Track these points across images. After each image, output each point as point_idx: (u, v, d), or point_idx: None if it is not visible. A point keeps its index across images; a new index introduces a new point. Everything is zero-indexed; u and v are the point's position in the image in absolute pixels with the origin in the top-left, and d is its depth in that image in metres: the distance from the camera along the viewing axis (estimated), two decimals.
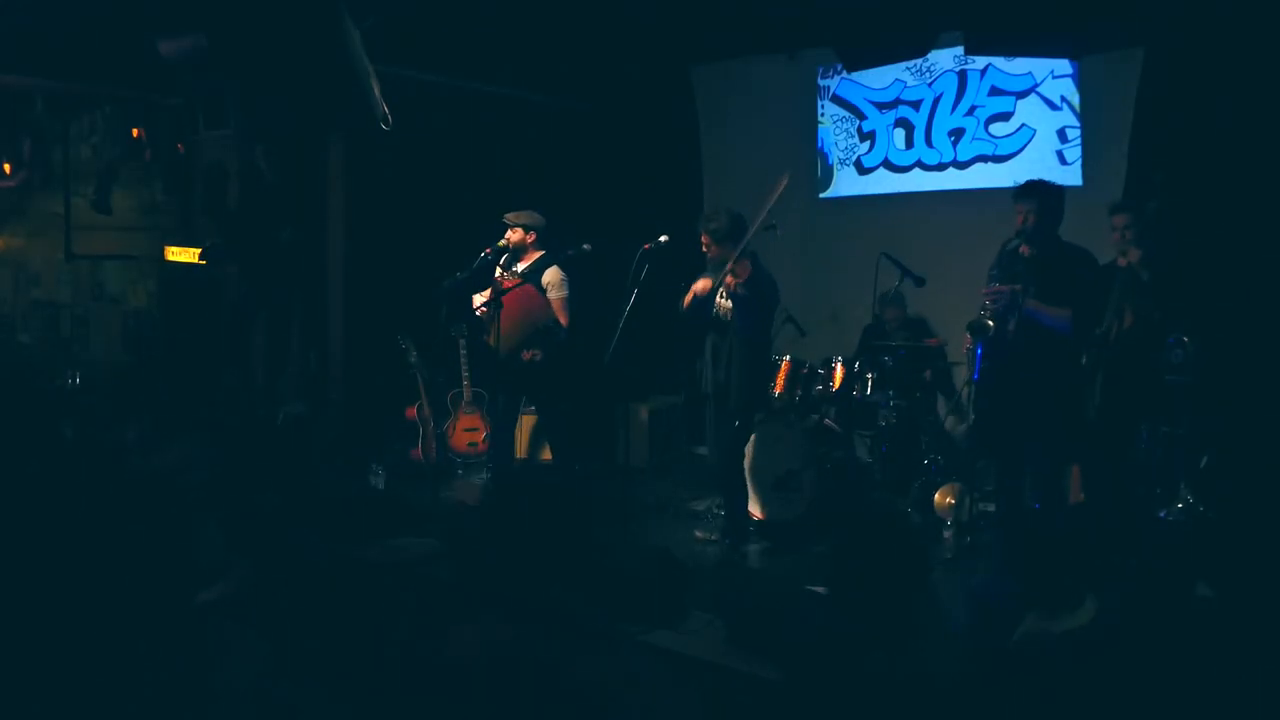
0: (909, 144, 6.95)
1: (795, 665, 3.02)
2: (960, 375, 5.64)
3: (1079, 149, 6.23)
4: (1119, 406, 4.39)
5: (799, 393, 5.69)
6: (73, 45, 6.07)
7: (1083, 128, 6.22)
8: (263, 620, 2.15)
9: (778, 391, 5.61)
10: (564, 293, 5.58)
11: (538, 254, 5.65)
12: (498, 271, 5.72)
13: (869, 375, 5.85)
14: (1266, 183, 5.22)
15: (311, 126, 6.88)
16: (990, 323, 4.45)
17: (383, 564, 4.28)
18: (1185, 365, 4.86)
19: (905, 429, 5.79)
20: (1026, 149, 6.43)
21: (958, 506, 5.07)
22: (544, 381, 5.68)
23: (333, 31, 5.49)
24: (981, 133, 6.63)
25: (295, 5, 5.62)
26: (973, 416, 4.94)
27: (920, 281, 5.75)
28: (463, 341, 6.28)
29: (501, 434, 5.95)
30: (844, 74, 7.16)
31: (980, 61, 6.56)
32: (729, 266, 4.72)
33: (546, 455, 6.52)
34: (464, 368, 6.39)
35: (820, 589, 3.95)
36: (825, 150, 7.35)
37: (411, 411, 6.48)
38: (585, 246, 5.42)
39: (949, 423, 6.03)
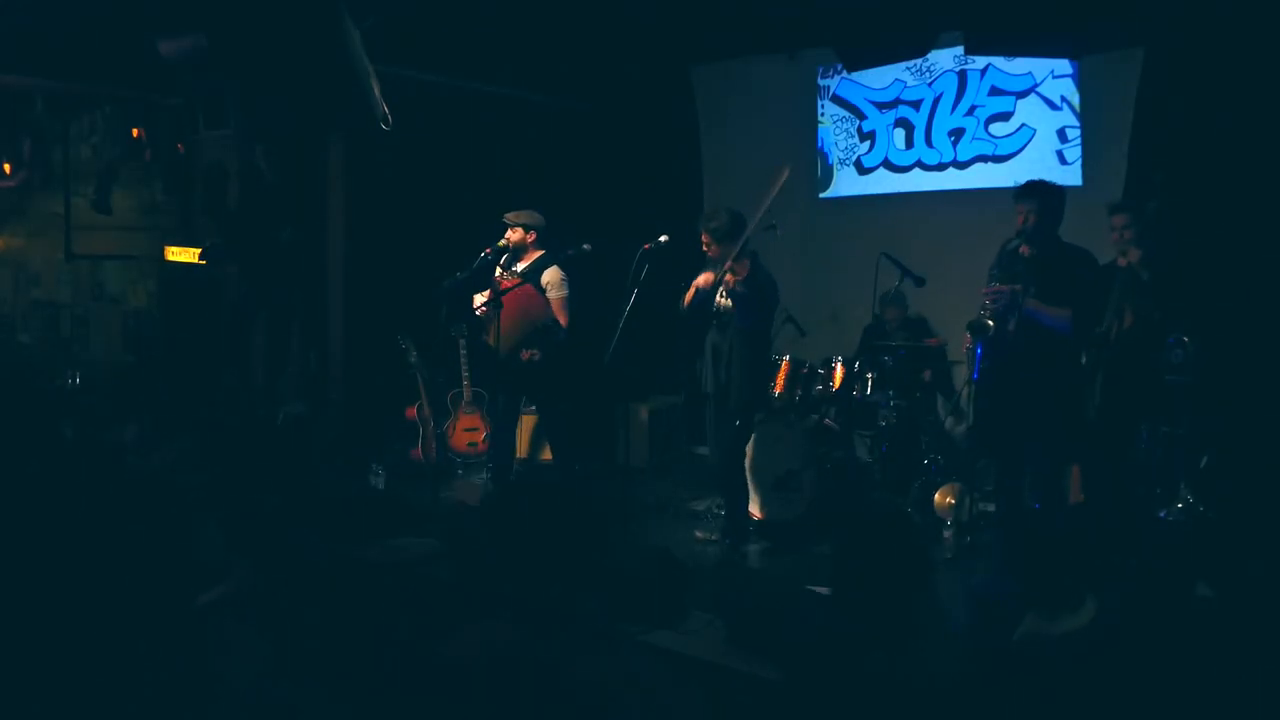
0: (909, 144, 6.95)
1: (795, 665, 3.02)
2: (960, 375, 5.64)
3: (1079, 149, 6.23)
4: (1119, 406, 4.39)
5: (799, 393, 5.69)
6: (73, 45, 6.07)
7: (1083, 128, 6.22)
8: (263, 620, 2.15)
9: (778, 391, 5.61)
10: (563, 292, 5.58)
11: (537, 254, 5.65)
12: (497, 271, 5.73)
13: (869, 375, 5.85)
14: (1266, 183, 5.22)
15: (311, 126, 6.88)
16: (990, 322, 4.45)
17: (383, 564, 4.28)
18: (1185, 365, 4.86)
19: (905, 429, 5.78)
20: (1026, 149, 6.43)
21: (958, 506, 5.07)
22: (544, 381, 5.68)
23: (333, 31, 5.49)
24: (981, 133, 6.63)
25: (295, 5, 5.62)
26: (972, 416, 4.94)
27: (920, 281, 5.75)
28: (463, 341, 6.28)
29: (501, 434, 5.95)
30: (844, 74, 7.16)
31: (980, 61, 6.56)
32: (728, 264, 4.72)
33: (546, 455, 6.52)
34: (464, 368, 6.39)
35: (823, 589, 3.96)
36: (825, 150, 7.35)
37: (411, 411, 6.48)
38: (585, 246, 5.42)
39: (949, 423, 6.03)
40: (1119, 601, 3.55)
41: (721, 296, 4.90)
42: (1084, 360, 4.44)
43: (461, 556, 4.15)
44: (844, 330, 6.39)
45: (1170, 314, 4.41)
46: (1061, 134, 6.31)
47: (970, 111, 6.67)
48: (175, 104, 7.25)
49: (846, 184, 7.27)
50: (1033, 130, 6.41)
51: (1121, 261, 4.38)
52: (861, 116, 7.17)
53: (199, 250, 7.30)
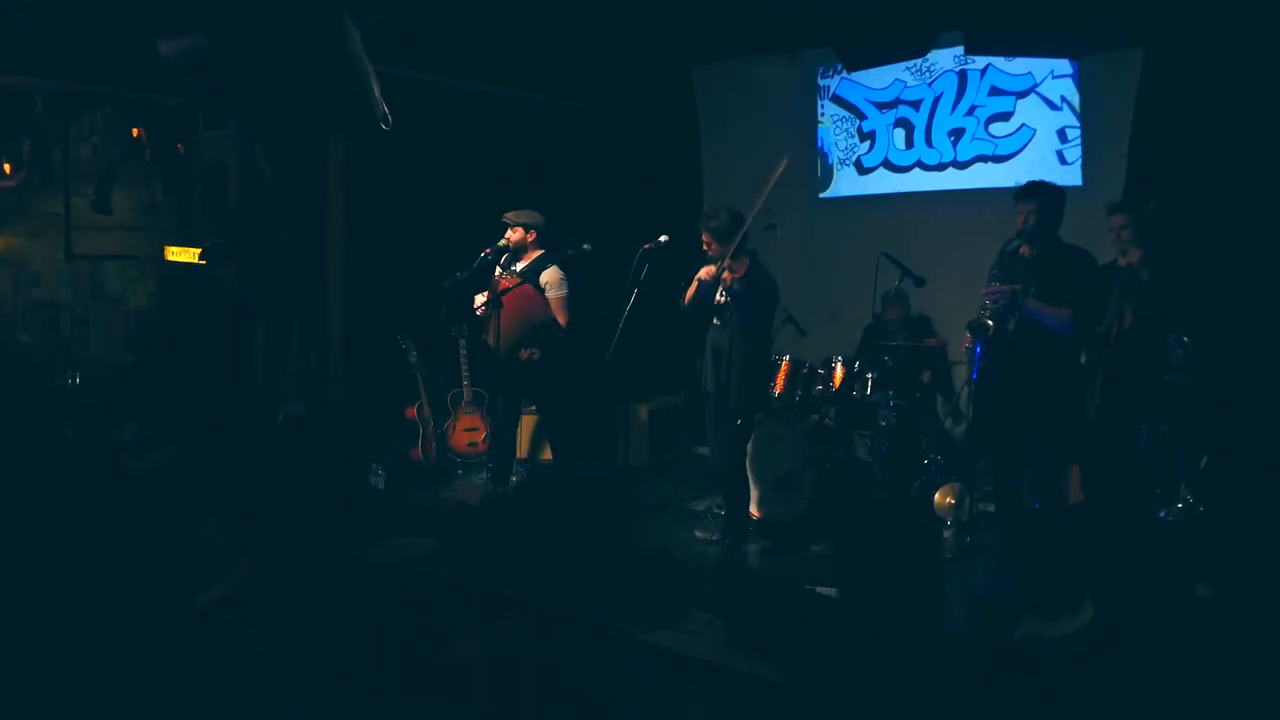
0: (909, 144, 6.95)
1: (795, 665, 3.02)
2: (960, 375, 5.64)
3: (1079, 149, 6.23)
4: (1119, 406, 4.38)
5: (799, 393, 5.69)
6: (73, 45, 6.07)
7: (1083, 128, 6.22)
8: (263, 620, 2.15)
9: (778, 391, 5.60)
10: (562, 292, 5.59)
11: (537, 253, 5.66)
12: (497, 271, 5.73)
13: (869, 375, 5.85)
14: (1266, 183, 5.22)
15: (311, 126, 6.87)
16: (990, 322, 4.46)
17: (383, 564, 4.27)
18: (1185, 365, 4.86)
19: (905, 429, 5.78)
20: (1026, 149, 6.44)
21: (958, 506, 5.07)
22: (543, 381, 5.69)
23: (333, 31, 5.49)
24: (981, 133, 6.63)
25: (295, 5, 5.62)
26: (970, 416, 4.94)
27: (920, 281, 5.75)
28: (463, 341, 6.28)
29: (501, 434, 5.95)
30: (844, 74, 7.16)
31: (980, 61, 6.56)
32: (725, 262, 4.73)
33: (547, 455, 6.52)
34: (464, 368, 6.39)
35: (827, 590, 3.96)
36: (825, 150, 7.35)
37: (411, 411, 6.48)
38: (585, 246, 5.43)
39: (949, 423, 6.03)
40: (1119, 601, 3.55)
41: (720, 295, 4.90)
42: (1084, 360, 4.44)
43: (461, 556, 4.14)
44: (844, 330, 6.39)
45: (1170, 314, 4.41)
46: (1061, 134, 6.31)
47: (970, 111, 6.67)
48: (175, 104, 7.25)
49: (846, 184, 7.27)
50: (1033, 130, 6.41)
51: (1121, 261, 4.38)
52: (861, 116, 7.17)
53: (199, 250, 7.30)
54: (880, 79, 7.01)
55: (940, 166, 6.82)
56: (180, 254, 7.51)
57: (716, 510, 5.42)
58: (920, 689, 2.05)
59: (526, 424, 6.48)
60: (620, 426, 6.40)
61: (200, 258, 7.30)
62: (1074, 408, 4.44)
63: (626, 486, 5.92)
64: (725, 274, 4.73)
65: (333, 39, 5.50)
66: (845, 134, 7.27)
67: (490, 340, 5.58)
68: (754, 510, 5.28)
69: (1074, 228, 4.59)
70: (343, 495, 5.22)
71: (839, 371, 5.80)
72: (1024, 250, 4.50)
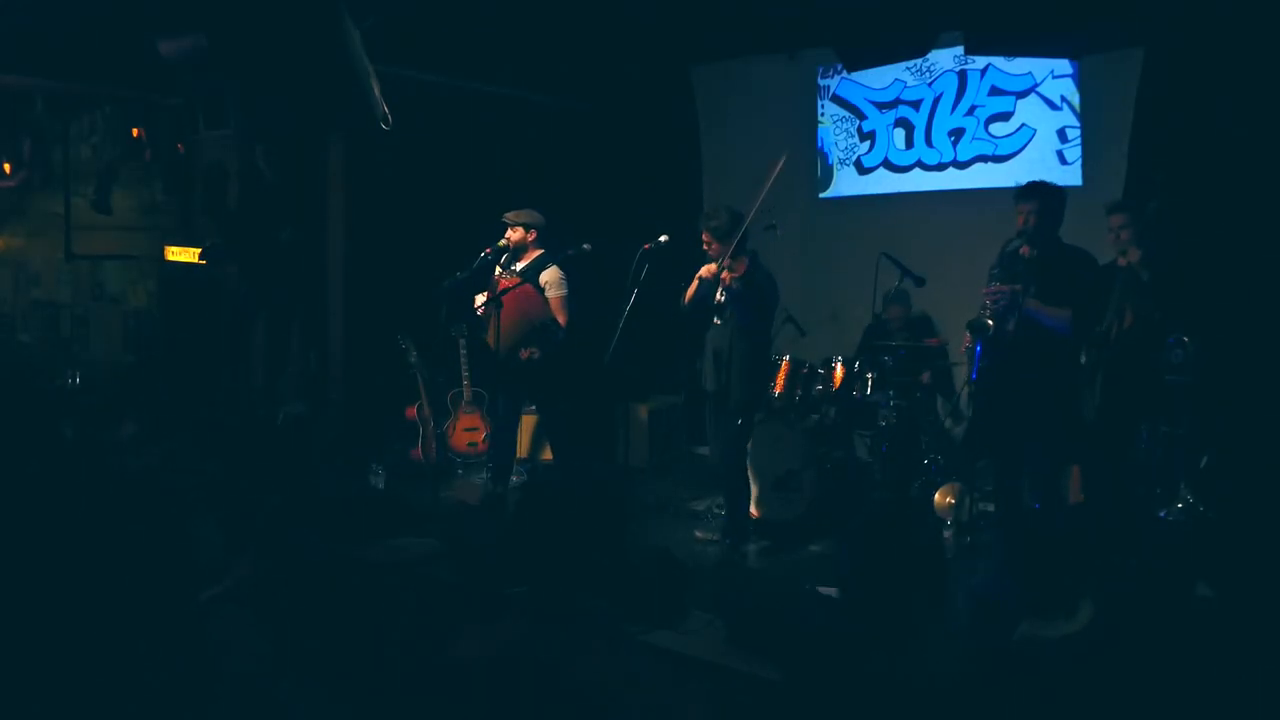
0: (909, 144, 6.95)
1: (795, 665, 3.02)
2: (960, 376, 5.64)
3: (1079, 149, 6.23)
4: (1119, 406, 4.38)
5: (799, 393, 5.69)
6: (73, 45, 6.07)
7: (1083, 128, 6.22)
8: (263, 620, 2.15)
9: (778, 391, 5.60)
10: (562, 291, 5.59)
11: (537, 253, 5.66)
12: (496, 271, 5.73)
13: (869, 375, 5.85)
14: (1266, 183, 5.22)
15: (311, 126, 6.87)
16: (990, 322, 4.46)
17: (383, 564, 4.27)
18: (1185, 365, 4.86)
19: (905, 429, 5.78)
20: (1026, 149, 6.44)
21: (958, 506, 5.07)
22: (543, 381, 5.69)
23: (333, 31, 5.49)
24: (981, 132, 6.63)
25: (295, 5, 5.62)
26: (969, 416, 4.94)
27: (920, 281, 5.75)
28: (463, 341, 6.28)
29: (502, 434, 5.95)
30: (844, 74, 7.16)
31: (980, 61, 6.56)
32: (725, 261, 4.73)
33: (547, 455, 6.53)
34: (464, 368, 6.39)
35: (828, 589, 3.96)
36: (825, 150, 7.35)
37: (411, 411, 6.48)
38: (585, 246, 5.43)
39: (949, 423, 6.03)
40: (1119, 601, 3.55)
41: (720, 294, 4.90)
42: (1084, 360, 4.44)
43: (461, 556, 4.15)
44: (844, 330, 6.38)
45: (1170, 314, 4.41)
46: (1061, 134, 6.31)
47: (970, 111, 6.67)
48: (175, 104, 7.25)
49: (846, 184, 7.27)
50: (1033, 130, 6.41)
51: (1121, 261, 4.38)
52: (861, 116, 7.17)
53: (199, 250, 7.30)
54: (880, 79, 7.01)
55: (940, 166, 6.82)
56: (180, 254, 7.51)
57: (716, 510, 5.42)
58: (920, 689, 2.05)
59: (526, 424, 6.49)
60: (620, 426, 6.41)
61: (200, 258, 7.30)
62: (1074, 408, 4.44)
63: (627, 486, 5.92)
64: (724, 274, 4.73)
65: (333, 39, 5.49)
66: (845, 134, 7.27)
67: (490, 340, 5.58)
68: (753, 510, 5.28)
69: (1074, 228, 4.59)
70: (343, 495, 5.22)
71: (839, 371, 5.80)
72: (1024, 250, 4.50)
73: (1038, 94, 6.40)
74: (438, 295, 5.55)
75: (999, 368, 4.51)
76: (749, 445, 5.24)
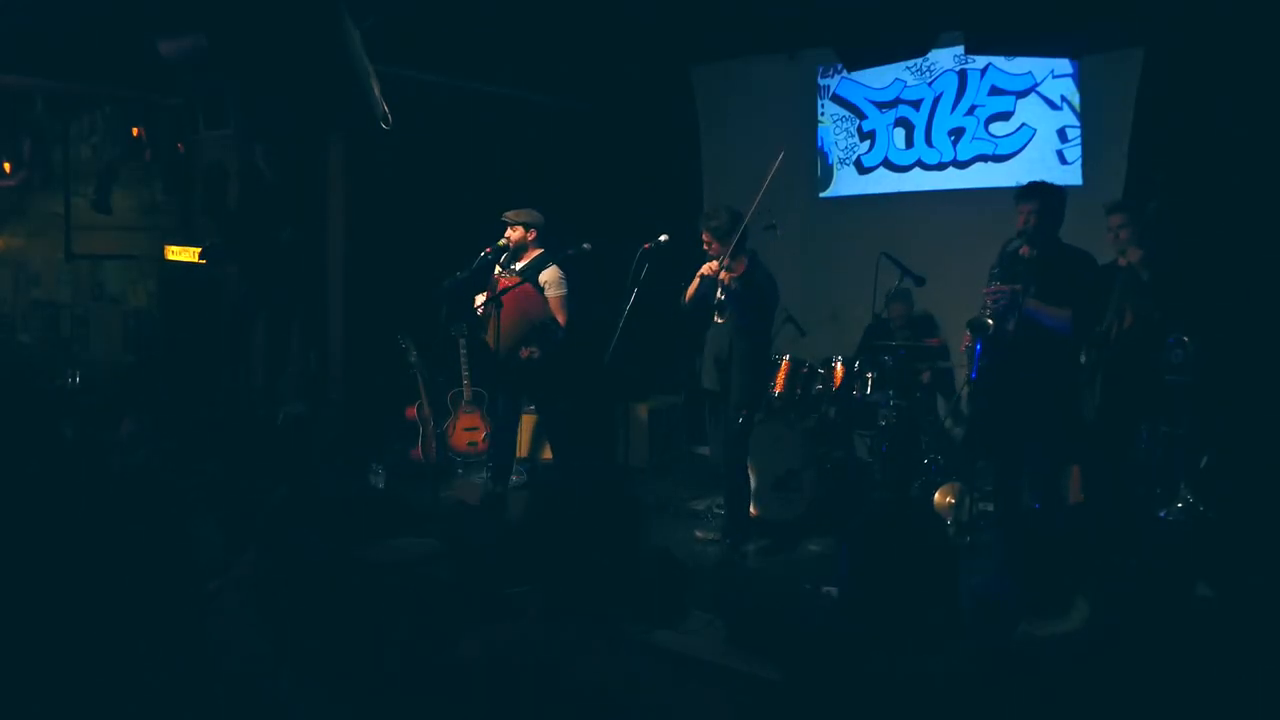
0: (909, 143, 6.95)
1: (795, 665, 3.02)
2: (960, 376, 5.64)
3: (1079, 149, 6.23)
4: (1119, 406, 4.39)
5: (799, 392, 5.69)
6: (73, 45, 6.06)
7: (1083, 127, 6.22)
8: (262, 620, 2.15)
9: (778, 391, 5.60)
10: (562, 291, 5.59)
11: (537, 252, 5.67)
12: (496, 270, 5.73)
13: (869, 375, 5.85)
14: (1266, 183, 5.22)
15: (311, 126, 6.87)
16: (990, 321, 4.46)
17: (383, 564, 4.27)
18: (1185, 365, 4.86)
19: (905, 429, 5.78)
20: (1026, 149, 6.44)
21: (958, 506, 5.07)
22: (543, 380, 5.69)
23: (333, 31, 5.48)
24: (981, 132, 6.63)
25: (295, 5, 5.62)
26: (967, 416, 4.93)
27: (920, 281, 5.75)
28: (463, 341, 6.28)
29: (502, 434, 5.95)
30: (844, 73, 7.16)
31: (980, 61, 6.56)
32: (724, 261, 4.73)
33: (547, 455, 6.53)
34: (464, 367, 6.39)
35: (829, 589, 3.96)
36: (825, 150, 7.35)
37: (411, 411, 6.48)
38: (585, 246, 5.43)
39: (949, 423, 6.03)
40: (1119, 601, 3.55)
41: (720, 294, 4.90)
42: (1084, 360, 4.44)
43: (461, 556, 4.14)
44: (844, 330, 6.39)
45: (1170, 314, 4.41)
46: (1061, 134, 6.31)
47: (970, 111, 6.67)
48: (175, 104, 7.24)
49: (846, 184, 7.27)
50: (1033, 130, 6.41)
51: (1121, 261, 4.38)
52: (861, 116, 7.17)
53: (199, 250, 7.30)
54: (880, 78, 7.01)
55: (940, 166, 6.82)
56: (180, 254, 7.50)
57: (716, 510, 5.42)
58: (920, 689, 2.04)
59: (526, 424, 6.49)
60: (620, 426, 6.41)
61: (200, 257, 7.30)
62: (1074, 408, 4.44)
63: (632, 487, 5.91)
64: (723, 274, 4.73)
65: (333, 39, 5.49)
66: (845, 134, 7.27)
67: (490, 340, 5.58)
68: (753, 509, 5.28)
69: (1074, 228, 4.59)
70: (343, 495, 5.22)
71: (839, 371, 5.80)
72: (1024, 250, 4.51)
73: (1038, 94, 6.40)
74: (438, 295, 5.55)
75: (999, 367, 4.52)
76: (749, 445, 5.24)
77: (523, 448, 6.53)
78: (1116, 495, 4.57)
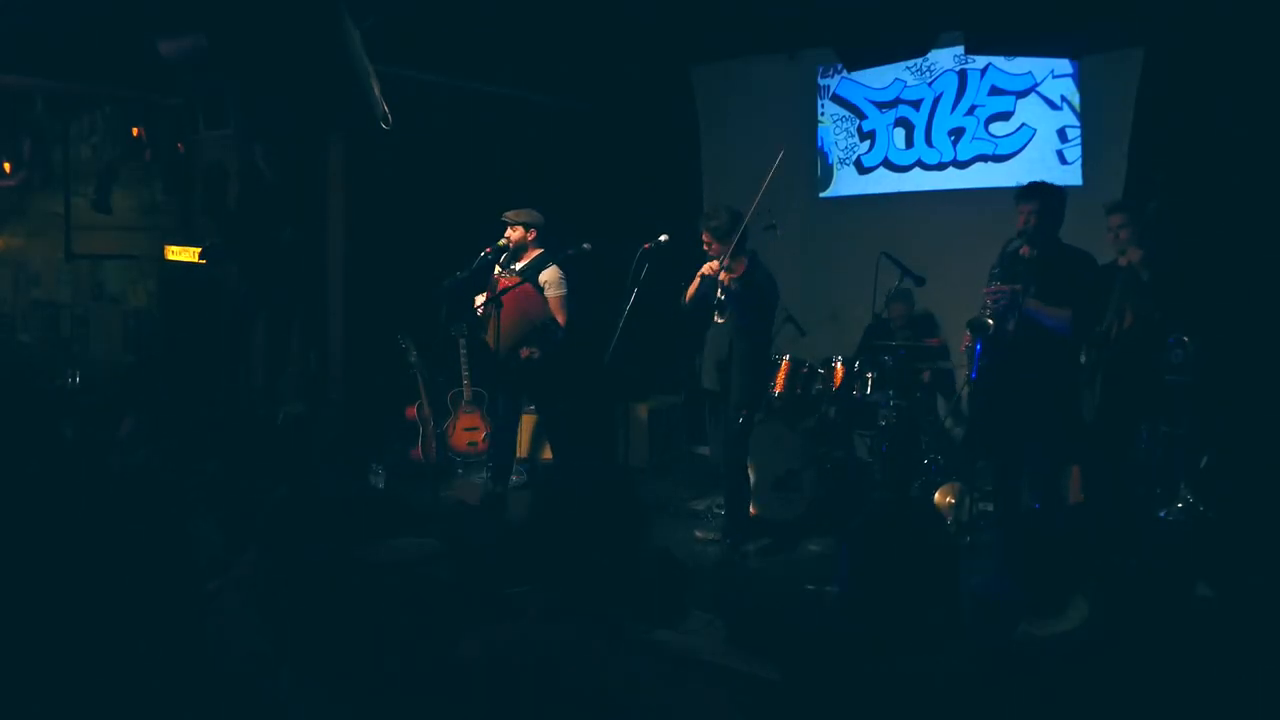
0: (909, 143, 6.95)
1: (795, 665, 3.02)
2: (961, 376, 5.64)
3: (1079, 149, 6.23)
4: (1119, 406, 4.39)
5: (799, 392, 5.69)
6: (73, 45, 6.06)
7: (1083, 127, 6.22)
8: (262, 620, 2.15)
9: (778, 391, 5.61)
10: (561, 291, 5.59)
11: (537, 252, 5.67)
12: (496, 270, 5.73)
13: (869, 375, 5.85)
14: (1266, 183, 5.22)
15: (311, 126, 6.87)
16: (990, 321, 4.46)
17: (383, 564, 4.27)
18: (1185, 365, 4.86)
19: (905, 429, 5.78)
20: (1026, 149, 6.44)
21: (958, 506, 5.07)
22: (543, 380, 5.69)
23: (333, 31, 5.48)
24: (981, 132, 6.63)
25: (295, 5, 5.62)
26: (967, 416, 4.93)
27: (920, 281, 5.76)
28: (463, 341, 6.28)
29: (502, 434, 5.95)
30: (844, 73, 7.16)
31: (980, 61, 6.56)
32: (724, 261, 4.73)
33: (547, 455, 6.53)
34: (464, 367, 6.39)
35: (831, 589, 3.96)
36: (825, 150, 7.35)
37: (411, 411, 6.48)
38: (585, 246, 5.43)
39: (949, 423, 6.03)
40: (1119, 601, 3.55)
41: (720, 294, 4.91)
42: (1084, 360, 4.44)
43: (461, 556, 4.14)
44: (844, 330, 6.39)
45: (1170, 314, 4.41)
46: (1061, 134, 6.31)
47: (970, 111, 6.67)
48: (175, 104, 7.24)
49: (846, 184, 7.27)
50: (1033, 130, 6.41)
51: (1122, 261, 4.38)
52: (861, 116, 7.17)
53: (199, 250, 7.29)
54: (880, 78, 7.01)
55: (940, 166, 6.82)
56: (180, 254, 7.50)
57: (716, 510, 5.42)
58: (920, 689, 2.04)
59: (526, 424, 6.49)
60: (620, 426, 6.41)
61: (200, 257, 7.29)
62: (1074, 408, 4.44)
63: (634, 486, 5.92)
64: (723, 275, 4.74)
65: (333, 39, 5.49)
66: (845, 133, 7.27)
67: (490, 340, 5.58)
68: (753, 509, 5.28)
69: (1074, 228, 4.59)
70: (343, 495, 5.21)
71: (839, 371, 5.80)
72: (1024, 250, 4.51)
73: (1038, 94, 6.40)
74: (438, 295, 5.55)
75: (999, 367, 4.52)
76: (749, 445, 5.24)
77: (523, 448, 6.54)
78: (1116, 495, 4.57)
